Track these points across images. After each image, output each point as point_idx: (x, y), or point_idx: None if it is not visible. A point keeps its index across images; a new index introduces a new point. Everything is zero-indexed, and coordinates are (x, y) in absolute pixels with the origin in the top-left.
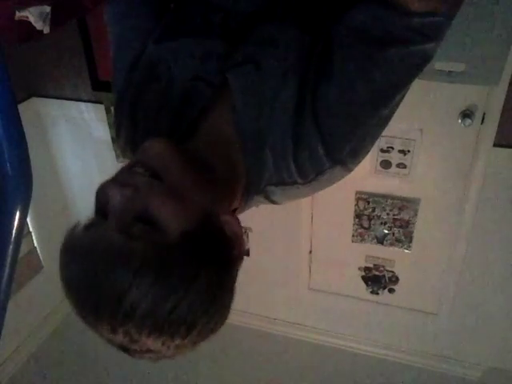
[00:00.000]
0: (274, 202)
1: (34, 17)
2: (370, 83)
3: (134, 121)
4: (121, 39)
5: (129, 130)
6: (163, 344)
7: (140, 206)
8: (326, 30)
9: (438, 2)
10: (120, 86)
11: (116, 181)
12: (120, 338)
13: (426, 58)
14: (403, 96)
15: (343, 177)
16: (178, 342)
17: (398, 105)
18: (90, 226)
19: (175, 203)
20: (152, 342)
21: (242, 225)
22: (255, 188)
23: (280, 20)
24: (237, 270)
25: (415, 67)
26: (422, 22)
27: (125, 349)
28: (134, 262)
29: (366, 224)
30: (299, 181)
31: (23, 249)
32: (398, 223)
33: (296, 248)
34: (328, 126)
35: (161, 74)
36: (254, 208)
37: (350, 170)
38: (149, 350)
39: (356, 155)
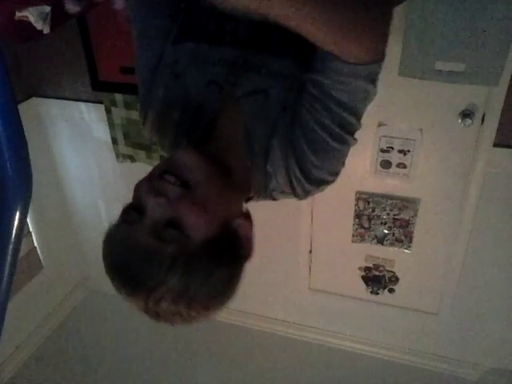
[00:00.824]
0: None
1: (34, 17)
2: (324, 126)
3: (160, 115)
4: (145, 37)
5: (155, 122)
6: (183, 320)
7: (171, 214)
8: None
9: (365, 51)
10: (146, 80)
11: (151, 188)
12: (150, 313)
13: (367, 96)
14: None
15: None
16: (193, 315)
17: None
18: (128, 222)
19: (201, 215)
20: (173, 317)
21: None
22: (263, 192)
23: (284, 38)
24: (244, 265)
25: (359, 103)
26: (355, 68)
27: (152, 317)
28: (165, 262)
29: (366, 224)
30: (294, 196)
31: (23, 249)
32: (397, 223)
33: (296, 248)
34: (302, 158)
35: (179, 73)
36: (254, 208)
37: (334, 181)
38: (169, 320)
39: (333, 173)
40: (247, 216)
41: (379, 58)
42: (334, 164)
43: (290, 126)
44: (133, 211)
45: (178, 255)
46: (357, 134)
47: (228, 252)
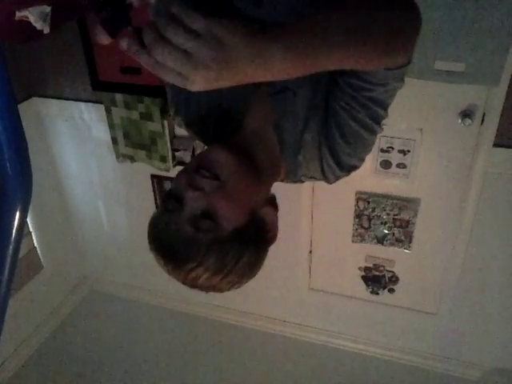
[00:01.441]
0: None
1: (34, 17)
2: (358, 120)
3: (191, 110)
4: None
5: (186, 115)
6: (214, 291)
7: (206, 206)
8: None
9: (402, 58)
10: None
11: (189, 182)
12: (187, 285)
13: (396, 92)
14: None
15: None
16: (224, 288)
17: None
18: (169, 211)
19: (232, 207)
20: (207, 289)
21: None
22: (292, 178)
23: None
24: (270, 246)
25: (390, 98)
26: (393, 72)
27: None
28: (201, 249)
29: (366, 224)
30: (325, 181)
31: (23, 249)
32: (398, 223)
33: (296, 248)
34: (336, 149)
35: None
36: None
37: (360, 166)
38: (203, 290)
39: (362, 159)
40: (272, 202)
41: (411, 58)
42: (364, 151)
43: (322, 121)
44: (172, 200)
45: (213, 242)
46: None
47: (255, 237)
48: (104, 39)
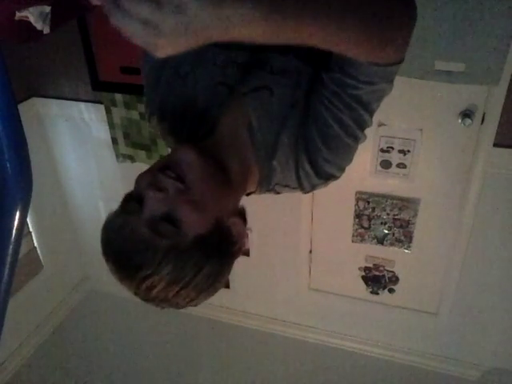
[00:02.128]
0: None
1: (34, 17)
2: (341, 122)
3: (164, 113)
4: None
5: (159, 120)
6: (169, 306)
7: (168, 209)
8: (318, 65)
9: (391, 52)
10: (150, 80)
11: (152, 182)
12: (139, 297)
13: (383, 95)
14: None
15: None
16: (180, 303)
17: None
18: (127, 212)
19: (197, 212)
20: (161, 303)
21: None
22: (266, 186)
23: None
24: (234, 261)
25: (376, 102)
26: (381, 69)
27: (141, 299)
28: (158, 255)
29: (366, 224)
30: (300, 190)
31: (23, 249)
32: (398, 223)
33: (296, 248)
34: (314, 153)
35: (184, 74)
36: (254, 208)
37: (339, 177)
38: (157, 305)
39: (342, 169)
40: (242, 213)
41: (403, 57)
42: (344, 159)
43: (301, 122)
44: (133, 201)
45: (171, 249)
46: (366, 131)
47: (219, 248)
48: None
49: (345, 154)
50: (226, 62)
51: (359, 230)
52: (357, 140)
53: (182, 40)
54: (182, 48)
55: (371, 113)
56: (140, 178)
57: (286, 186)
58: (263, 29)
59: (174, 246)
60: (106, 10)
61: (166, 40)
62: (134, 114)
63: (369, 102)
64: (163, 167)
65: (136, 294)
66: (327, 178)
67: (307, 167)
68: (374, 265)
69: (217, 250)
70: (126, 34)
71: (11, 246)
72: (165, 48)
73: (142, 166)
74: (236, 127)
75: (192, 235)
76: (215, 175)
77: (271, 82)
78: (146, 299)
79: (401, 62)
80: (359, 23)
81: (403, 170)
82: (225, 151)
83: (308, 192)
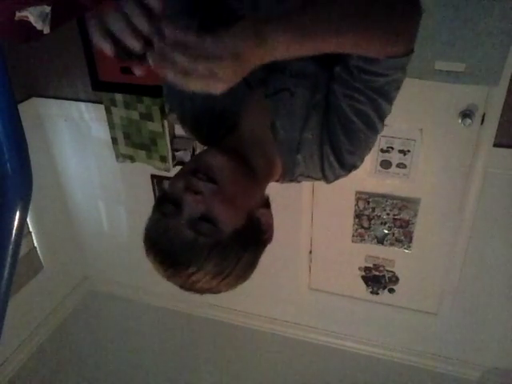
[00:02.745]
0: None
1: (34, 17)
2: (362, 115)
3: (184, 113)
4: None
5: (181, 113)
6: (212, 293)
7: (205, 210)
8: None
9: (403, 45)
10: None
11: (188, 186)
12: (184, 289)
13: (400, 84)
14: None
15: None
16: (222, 290)
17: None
18: (166, 215)
19: (232, 210)
20: (205, 291)
21: None
22: (289, 177)
23: None
24: (265, 247)
25: (394, 91)
26: (395, 61)
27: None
28: (202, 253)
29: (366, 224)
30: (324, 181)
31: (23, 249)
32: (398, 223)
33: (296, 248)
34: (338, 147)
35: None
36: None
37: (360, 166)
38: (200, 293)
39: (362, 158)
40: (267, 203)
41: (413, 47)
42: (365, 150)
43: (324, 119)
44: (168, 204)
45: (213, 246)
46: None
47: (253, 238)
48: (108, 50)
49: (366, 146)
50: None
51: (359, 230)
52: (376, 131)
53: (237, 78)
54: (234, 83)
55: (391, 101)
56: (174, 182)
57: (309, 176)
58: (299, 50)
59: (215, 243)
60: (161, 72)
61: (224, 84)
62: (134, 114)
63: (388, 91)
64: (194, 171)
65: (182, 287)
66: (350, 168)
67: (332, 159)
68: (374, 265)
69: (252, 241)
70: (185, 88)
71: (11, 246)
72: (221, 88)
73: (142, 166)
74: (258, 126)
75: (229, 231)
76: (243, 173)
77: (291, 85)
78: (191, 290)
79: (412, 51)
80: (373, 25)
81: (403, 170)
82: (249, 149)
83: (331, 182)
